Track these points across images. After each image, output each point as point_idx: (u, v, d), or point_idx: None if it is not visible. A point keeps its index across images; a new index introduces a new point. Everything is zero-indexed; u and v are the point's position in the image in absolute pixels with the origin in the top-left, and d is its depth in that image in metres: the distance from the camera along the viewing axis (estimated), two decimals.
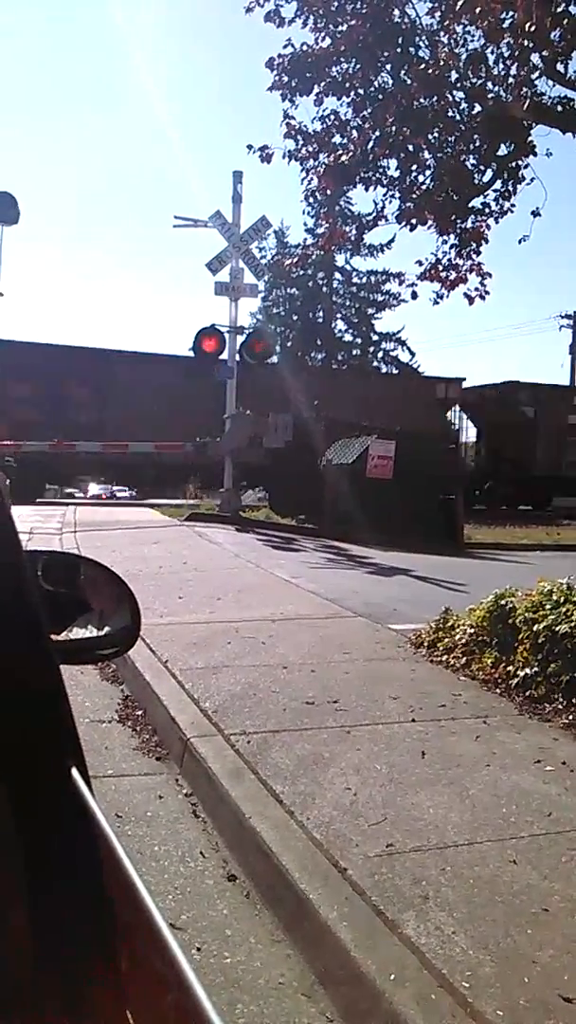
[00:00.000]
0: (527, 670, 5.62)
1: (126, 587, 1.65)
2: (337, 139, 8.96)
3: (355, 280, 49.33)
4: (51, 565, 1.67)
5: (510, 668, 5.79)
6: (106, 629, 1.62)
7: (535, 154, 8.59)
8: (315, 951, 2.93)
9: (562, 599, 5.81)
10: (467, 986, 2.54)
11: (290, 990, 2.77)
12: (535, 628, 5.68)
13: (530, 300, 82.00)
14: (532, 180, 8.82)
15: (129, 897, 0.84)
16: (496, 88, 8.48)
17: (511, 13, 7.38)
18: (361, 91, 8.59)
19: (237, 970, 2.85)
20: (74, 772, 0.94)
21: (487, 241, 9.30)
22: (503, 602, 6.16)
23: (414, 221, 8.96)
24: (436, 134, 8.73)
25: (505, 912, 2.97)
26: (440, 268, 9.39)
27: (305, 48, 8.52)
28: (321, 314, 49.84)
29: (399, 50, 8.32)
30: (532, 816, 3.78)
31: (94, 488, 27.88)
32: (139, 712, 5.51)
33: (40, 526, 14.66)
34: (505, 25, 7.64)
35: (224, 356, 18.62)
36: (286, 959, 2.94)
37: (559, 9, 6.87)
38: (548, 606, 5.78)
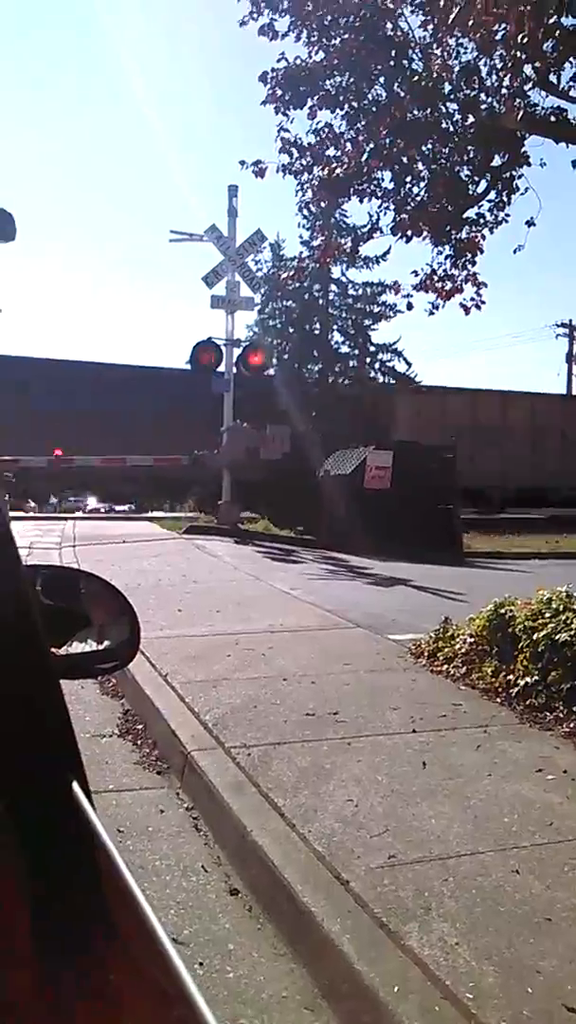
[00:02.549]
0: (527, 679, 5.61)
1: (125, 601, 1.65)
2: (331, 152, 9.00)
3: (351, 292, 49.41)
4: (50, 579, 1.65)
5: (510, 677, 5.78)
6: (106, 643, 1.61)
7: (529, 164, 8.63)
8: (318, 964, 2.91)
9: (561, 607, 5.80)
10: (471, 997, 2.52)
11: (293, 1004, 2.76)
12: (535, 637, 5.68)
13: (527, 309, 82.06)
14: (527, 190, 8.86)
15: (130, 911, 0.83)
16: (489, 99, 8.52)
17: (503, 25, 7.42)
18: (355, 104, 8.63)
19: (240, 984, 2.84)
20: (75, 786, 0.94)
21: (482, 251, 9.34)
22: (502, 611, 6.15)
23: (409, 233, 8.99)
24: (430, 146, 8.77)
25: (508, 922, 2.95)
26: (436, 279, 9.41)
27: (299, 62, 8.57)
28: (318, 326, 49.92)
29: (392, 63, 8.36)
30: (534, 825, 3.77)
31: (93, 502, 27.80)
32: (139, 726, 5.49)
33: (39, 540, 14.66)
34: (498, 37, 7.68)
35: (221, 368, 18.66)
36: (289, 973, 2.92)
37: (551, 21, 6.90)
38: (547, 614, 5.77)
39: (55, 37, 69.43)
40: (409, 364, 49.43)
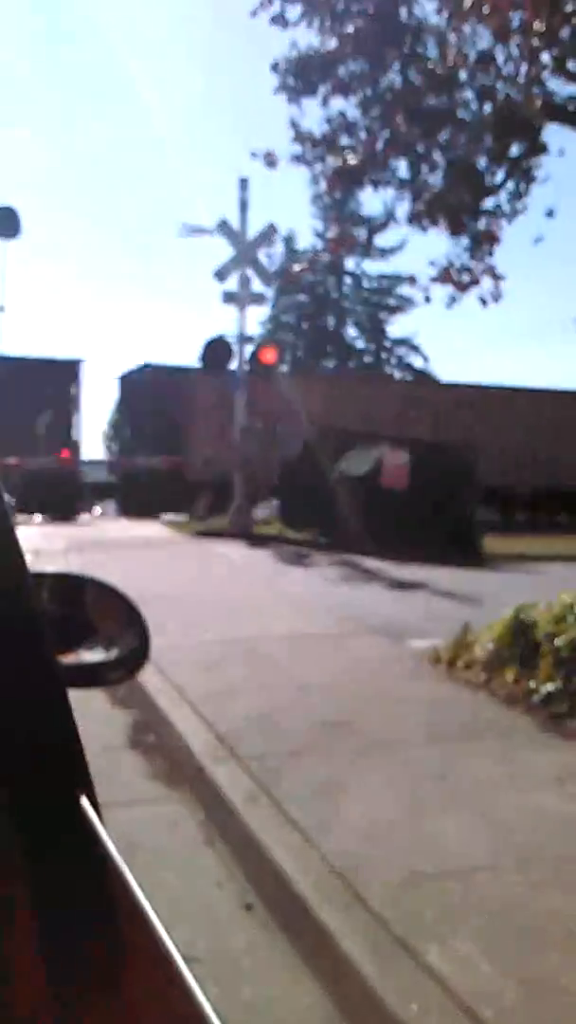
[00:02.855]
0: (549, 686, 5.52)
1: (135, 607, 1.60)
2: (345, 140, 8.91)
3: (366, 285, 49.21)
4: (57, 586, 1.63)
5: (531, 684, 5.69)
6: (115, 652, 1.56)
7: (547, 152, 8.55)
8: (335, 981, 2.86)
9: None
10: (492, 1014, 2.49)
11: (309, 1022, 2.71)
12: (556, 642, 5.59)
13: (543, 302, 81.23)
14: (546, 180, 8.77)
15: (141, 930, 0.81)
16: (506, 88, 8.43)
17: (520, 13, 7.33)
18: (368, 91, 8.55)
19: (255, 1002, 2.80)
20: (83, 800, 0.90)
21: (499, 242, 9.24)
22: (523, 616, 6.06)
23: (426, 223, 8.91)
24: (446, 135, 8.69)
25: (530, 937, 2.92)
26: (453, 271, 9.31)
27: (311, 50, 8.50)
28: (332, 321, 49.76)
29: (406, 49, 8.29)
30: (556, 837, 3.74)
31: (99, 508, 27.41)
32: (151, 737, 5.41)
33: (46, 546, 14.57)
34: (514, 25, 7.59)
35: (233, 366, 18.55)
36: (305, 990, 2.87)
37: (569, 8, 6.83)
38: (570, 619, 5.69)
39: (54, 36, 69.31)
40: (427, 359, 49.11)
